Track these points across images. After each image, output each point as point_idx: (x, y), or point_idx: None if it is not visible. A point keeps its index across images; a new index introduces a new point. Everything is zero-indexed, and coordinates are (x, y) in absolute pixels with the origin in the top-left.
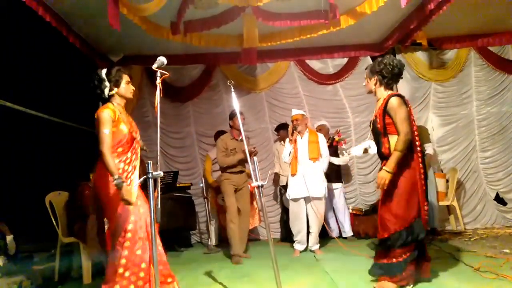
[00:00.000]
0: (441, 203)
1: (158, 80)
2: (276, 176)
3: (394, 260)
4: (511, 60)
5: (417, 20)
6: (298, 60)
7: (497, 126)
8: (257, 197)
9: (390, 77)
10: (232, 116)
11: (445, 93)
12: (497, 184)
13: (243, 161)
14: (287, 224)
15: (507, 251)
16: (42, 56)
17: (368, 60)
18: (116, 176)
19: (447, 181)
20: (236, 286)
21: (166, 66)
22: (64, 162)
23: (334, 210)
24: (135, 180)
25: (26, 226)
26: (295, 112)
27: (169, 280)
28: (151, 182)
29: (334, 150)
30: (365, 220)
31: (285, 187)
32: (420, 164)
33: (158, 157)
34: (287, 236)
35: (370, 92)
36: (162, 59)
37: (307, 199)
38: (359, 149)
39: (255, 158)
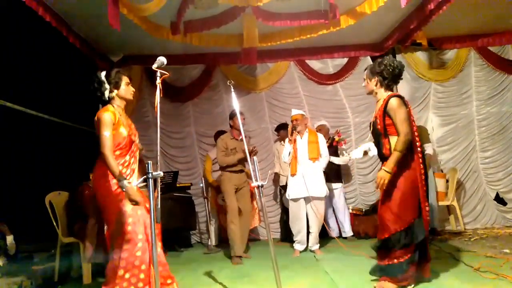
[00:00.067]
0: (441, 203)
1: (158, 80)
2: (276, 176)
3: (395, 261)
4: (511, 60)
5: (417, 20)
6: (298, 60)
7: (497, 126)
8: (257, 197)
9: (390, 78)
10: (233, 116)
11: (445, 93)
12: (497, 184)
13: (243, 161)
14: (287, 224)
15: (507, 251)
16: (42, 56)
17: (368, 60)
18: (121, 178)
19: (447, 181)
20: (236, 286)
21: (166, 66)
22: (64, 162)
23: (334, 210)
24: (134, 183)
25: (26, 226)
26: (294, 112)
27: (169, 281)
28: (151, 182)
29: (334, 150)
30: (365, 220)
31: (285, 187)
32: (421, 165)
33: (158, 157)
34: (287, 236)
35: (370, 93)
36: (162, 59)
37: (307, 199)
38: (359, 151)
39: (255, 158)
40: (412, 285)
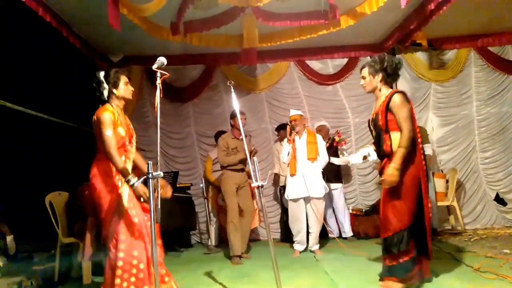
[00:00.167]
0: (441, 204)
1: (158, 81)
2: (276, 177)
3: (400, 260)
4: (511, 60)
5: (417, 21)
6: (298, 61)
7: (497, 127)
8: (257, 197)
9: (393, 73)
10: (234, 115)
11: (445, 93)
12: (497, 185)
13: (244, 160)
14: (287, 225)
15: (507, 251)
16: (42, 56)
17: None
18: (128, 176)
19: (447, 181)
20: (236, 286)
21: (166, 67)
22: (64, 162)
23: (334, 211)
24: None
25: (26, 226)
26: (293, 112)
27: (166, 279)
28: (151, 182)
29: (334, 151)
30: (365, 221)
31: (285, 187)
32: (423, 161)
33: (158, 157)
34: (287, 237)
35: (372, 90)
36: (162, 60)
37: (307, 199)
38: (359, 157)
39: (255, 158)
40: (417, 284)
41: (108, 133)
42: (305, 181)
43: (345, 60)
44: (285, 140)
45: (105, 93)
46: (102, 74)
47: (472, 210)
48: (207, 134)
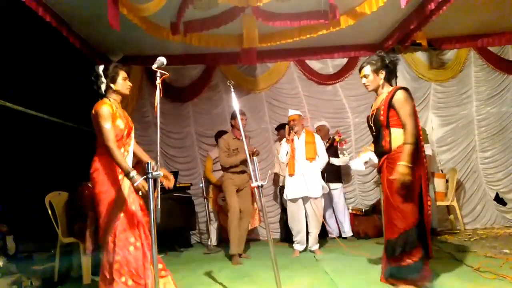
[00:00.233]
0: (440, 203)
1: (158, 80)
2: (276, 176)
3: (409, 261)
4: (511, 60)
5: (417, 20)
6: (298, 60)
7: (497, 126)
8: (257, 197)
9: (394, 70)
10: (234, 116)
11: (445, 93)
12: (496, 184)
13: (245, 161)
14: (287, 224)
15: (507, 251)
16: (42, 56)
17: None
18: (128, 170)
19: (447, 181)
20: (236, 286)
21: (166, 66)
22: (64, 162)
23: (334, 210)
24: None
25: (26, 226)
26: (291, 112)
27: (163, 273)
28: (151, 182)
29: (334, 151)
30: (365, 220)
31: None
32: (424, 159)
33: (158, 157)
34: (286, 237)
35: (375, 89)
36: (162, 59)
37: (305, 199)
38: (360, 163)
39: (255, 158)
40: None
41: (107, 126)
42: (304, 181)
43: (345, 60)
44: (284, 140)
45: (103, 87)
46: (101, 68)
47: (472, 210)
48: (207, 134)
